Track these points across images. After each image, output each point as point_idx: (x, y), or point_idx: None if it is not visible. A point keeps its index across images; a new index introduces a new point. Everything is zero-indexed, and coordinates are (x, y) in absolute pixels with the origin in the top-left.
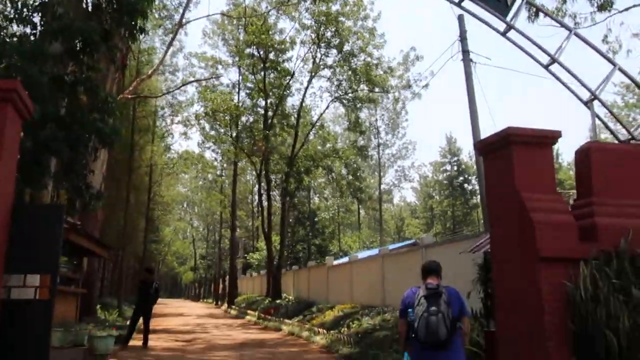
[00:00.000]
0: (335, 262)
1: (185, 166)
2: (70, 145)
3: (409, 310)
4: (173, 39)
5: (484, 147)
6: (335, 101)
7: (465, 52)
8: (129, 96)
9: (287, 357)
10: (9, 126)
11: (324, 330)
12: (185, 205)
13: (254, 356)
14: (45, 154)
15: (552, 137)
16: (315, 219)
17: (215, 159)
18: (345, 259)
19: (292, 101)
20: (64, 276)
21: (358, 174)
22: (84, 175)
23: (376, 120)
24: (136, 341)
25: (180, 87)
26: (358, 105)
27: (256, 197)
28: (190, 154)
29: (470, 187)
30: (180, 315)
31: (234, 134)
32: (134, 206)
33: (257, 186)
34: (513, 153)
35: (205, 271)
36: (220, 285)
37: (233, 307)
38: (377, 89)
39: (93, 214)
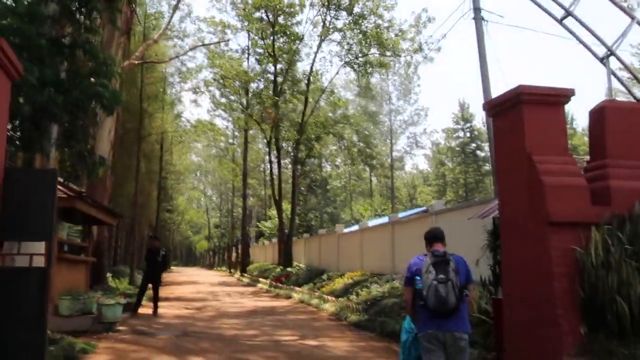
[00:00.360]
0: (346, 230)
1: (197, 134)
2: (69, 110)
3: (417, 278)
4: (179, 1)
5: (493, 107)
6: (345, 66)
7: (477, 9)
8: (136, 62)
9: (296, 325)
10: None
11: (334, 298)
12: (198, 175)
13: (263, 323)
14: (44, 119)
15: (564, 95)
16: (327, 187)
17: (227, 127)
18: (356, 227)
19: (302, 67)
20: (73, 244)
21: (369, 141)
22: (85, 140)
23: (388, 86)
24: (147, 309)
25: (188, 51)
26: (369, 70)
27: (268, 165)
28: (201, 122)
29: (482, 154)
30: (193, 284)
31: (244, 101)
32: (145, 175)
33: (268, 154)
34: (523, 113)
35: (219, 240)
36: (234, 254)
37: (245, 275)
38: (388, 53)
39: (101, 183)
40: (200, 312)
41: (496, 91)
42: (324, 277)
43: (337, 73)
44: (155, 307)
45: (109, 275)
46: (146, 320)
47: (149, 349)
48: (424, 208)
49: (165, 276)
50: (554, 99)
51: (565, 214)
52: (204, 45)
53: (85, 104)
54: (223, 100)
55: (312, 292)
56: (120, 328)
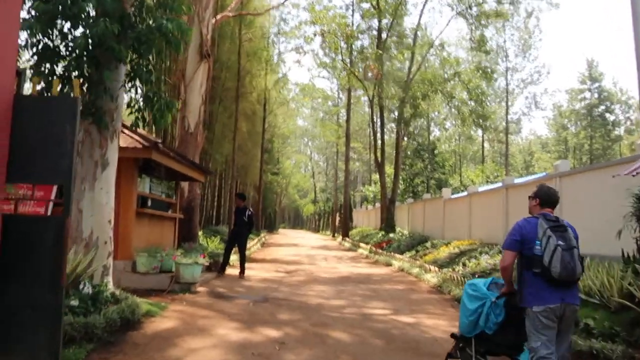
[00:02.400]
0: (453, 196)
1: (303, 97)
2: (131, 46)
3: (537, 242)
4: None
5: None
6: (457, 17)
7: None
8: (230, 14)
9: (391, 296)
10: None
11: (436, 268)
12: (305, 140)
13: (354, 292)
14: (104, 55)
15: None
16: (435, 152)
17: (330, 89)
18: (463, 193)
19: (409, 22)
20: (157, 199)
21: (482, 99)
22: (150, 81)
23: (504, 41)
24: (236, 269)
25: None
26: (483, 22)
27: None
28: (307, 85)
29: (612, 117)
30: (294, 246)
31: (347, 60)
32: (247, 135)
33: (370, 114)
34: None
35: (324, 204)
36: (337, 218)
37: (347, 239)
38: (505, 0)
39: (192, 137)
40: (290, 276)
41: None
42: (428, 244)
43: (448, 25)
44: (242, 269)
45: (200, 233)
46: (230, 282)
47: (220, 315)
48: (544, 174)
49: (269, 237)
50: None
51: None
52: None
53: (149, 39)
54: (326, 59)
55: (414, 261)
56: (199, 289)
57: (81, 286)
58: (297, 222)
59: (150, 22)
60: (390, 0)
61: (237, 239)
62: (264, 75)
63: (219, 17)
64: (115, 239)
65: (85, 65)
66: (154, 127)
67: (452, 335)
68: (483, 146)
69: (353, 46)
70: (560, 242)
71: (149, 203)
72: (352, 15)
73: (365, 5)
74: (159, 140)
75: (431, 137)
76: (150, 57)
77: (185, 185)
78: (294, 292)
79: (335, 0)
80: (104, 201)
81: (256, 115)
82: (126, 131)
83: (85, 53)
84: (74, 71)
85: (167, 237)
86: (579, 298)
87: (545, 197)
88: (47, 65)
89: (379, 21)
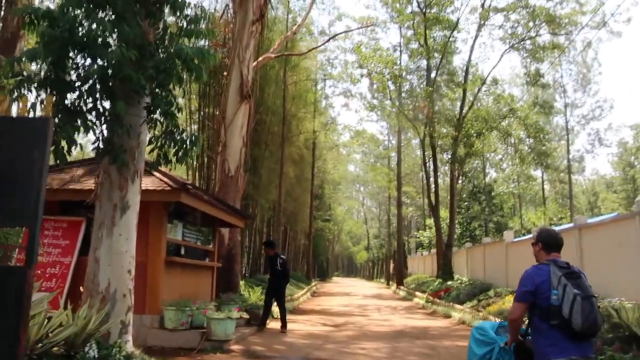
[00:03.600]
0: (516, 239)
1: (352, 141)
2: (149, 76)
3: (553, 291)
4: None
5: None
6: (509, 51)
7: None
8: (273, 55)
9: (453, 356)
10: None
11: None
12: (357, 186)
13: (409, 350)
14: (118, 83)
15: None
16: (492, 194)
17: (380, 132)
18: (528, 236)
19: (458, 61)
20: (191, 247)
21: (541, 135)
22: (171, 113)
23: (561, 76)
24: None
25: (332, 38)
26: (538, 55)
27: (423, 169)
28: (357, 131)
29: None
30: (346, 295)
31: (396, 101)
32: (295, 181)
33: (422, 156)
34: None
35: (377, 250)
36: (391, 265)
37: (402, 287)
38: (561, 32)
39: (233, 181)
40: (338, 331)
41: None
42: (490, 293)
43: (501, 59)
44: (283, 322)
45: (242, 283)
46: (269, 338)
47: None
48: (615, 214)
49: (320, 286)
50: None
51: None
52: (346, 32)
53: (168, 67)
54: (374, 102)
55: (476, 312)
56: (233, 347)
57: (86, 348)
58: (350, 269)
59: (171, 50)
60: (439, 38)
61: (275, 291)
62: (310, 118)
63: (261, 58)
64: (142, 291)
65: (99, 97)
66: (195, 173)
67: None
68: (543, 187)
69: (401, 86)
70: (576, 291)
71: (182, 251)
72: (400, 57)
73: (413, 46)
74: (189, 182)
75: (487, 179)
76: (171, 87)
77: (225, 232)
78: (341, 350)
79: (382, 42)
80: (123, 249)
81: (304, 160)
82: (157, 173)
83: (98, 84)
84: (86, 104)
85: (204, 288)
86: (593, 348)
87: (549, 241)
88: (56, 97)
89: (428, 59)
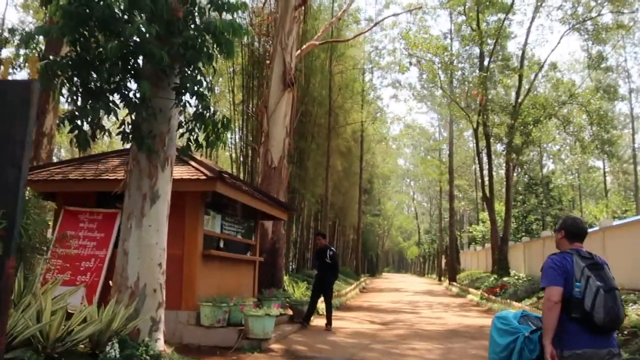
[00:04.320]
0: None
1: (403, 133)
2: (177, 55)
3: (577, 283)
4: None
5: None
6: (569, 32)
7: None
8: (317, 42)
9: None
10: None
11: None
12: (407, 181)
13: (465, 352)
14: (135, 58)
15: None
16: (550, 186)
17: (430, 124)
18: (591, 230)
19: (512, 47)
20: (230, 240)
21: (605, 122)
22: (201, 93)
23: (625, 60)
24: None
25: (378, 23)
26: (600, 37)
27: (476, 161)
28: (408, 125)
29: None
30: (395, 291)
31: (447, 89)
32: (342, 174)
33: (475, 147)
34: None
35: (429, 246)
36: (443, 260)
37: (454, 283)
38: (625, 10)
39: (276, 173)
40: (387, 329)
41: None
42: None
43: (560, 41)
44: (329, 320)
45: (287, 278)
46: (313, 336)
47: None
48: None
49: (369, 282)
50: None
51: None
52: (395, 15)
53: (197, 43)
54: (424, 92)
55: (535, 309)
56: (273, 346)
57: (108, 347)
58: (401, 265)
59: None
60: (492, 22)
61: (322, 286)
62: (358, 110)
63: (304, 46)
64: (178, 286)
65: (121, 76)
66: (240, 166)
67: None
68: (605, 178)
69: (453, 74)
70: (599, 283)
71: (221, 244)
72: (451, 45)
73: (465, 32)
74: (225, 171)
75: (544, 171)
76: (201, 66)
77: (268, 225)
78: (389, 351)
79: (432, 31)
80: (153, 241)
81: (352, 153)
82: (192, 162)
83: (119, 62)
84: (109, 85)
85: (245, 284)
86: (616, 338)
87: (573, 229)
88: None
89: (481, 44)
